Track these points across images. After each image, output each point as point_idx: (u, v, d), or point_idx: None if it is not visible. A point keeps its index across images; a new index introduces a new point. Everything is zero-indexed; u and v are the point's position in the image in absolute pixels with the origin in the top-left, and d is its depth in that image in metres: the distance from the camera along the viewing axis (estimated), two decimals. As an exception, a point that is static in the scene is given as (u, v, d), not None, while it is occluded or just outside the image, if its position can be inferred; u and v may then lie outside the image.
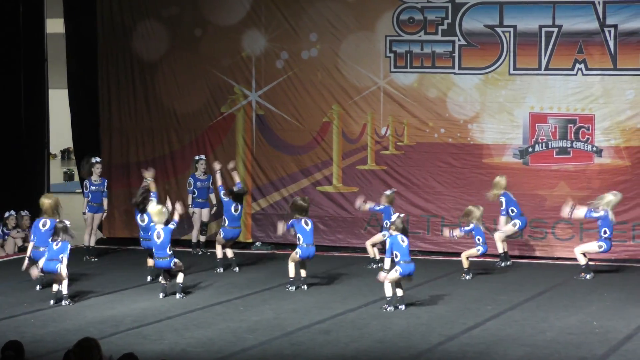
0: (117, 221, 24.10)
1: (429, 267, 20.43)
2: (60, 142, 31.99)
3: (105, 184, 22.12)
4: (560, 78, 21.85)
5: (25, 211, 22.70)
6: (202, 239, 22.56)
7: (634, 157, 21.50)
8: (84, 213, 22.02)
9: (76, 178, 26.80)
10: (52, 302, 16.96)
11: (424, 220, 22.30)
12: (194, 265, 20.54)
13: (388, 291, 16.66)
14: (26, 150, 24.06)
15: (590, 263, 19.57)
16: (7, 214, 22.54)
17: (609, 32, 21.48)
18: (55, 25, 24.76)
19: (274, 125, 23.23)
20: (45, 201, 18.73)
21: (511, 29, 21.95)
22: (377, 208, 20.77)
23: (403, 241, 16.76)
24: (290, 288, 18.35)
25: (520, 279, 19.48)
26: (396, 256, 16.64)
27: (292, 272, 18.47)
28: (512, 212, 20.61)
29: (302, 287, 18.46)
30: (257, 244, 23.19)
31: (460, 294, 17.57)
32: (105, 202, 22.09)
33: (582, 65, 21.67)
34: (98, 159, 22.07)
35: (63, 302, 16.87)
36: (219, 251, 20.41)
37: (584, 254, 19.65)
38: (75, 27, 24.32)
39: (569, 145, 21.84)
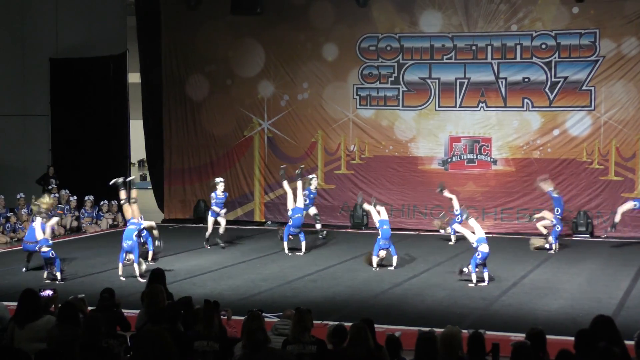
0: (174, 207, 24.06)
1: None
2: (137, 154, 31.87)
3: (226, 197, 19.35)
4: (469, 113, 21.81)
5: (114, 201, 22.64)
6: (318, 226, 20.12)
7: (518, 165, 21.51)
8: (210, 216, 19.26)
9: (148, 179, 26.58)
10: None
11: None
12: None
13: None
14: (115, 160, 23.85)
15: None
16: (101, 202, 22.50)
17: (501, 82, 21.48)
18: (134, 77, 24.71)
19: (279, 143, 23.18)
20: (45, 202, 16.42)
21: (437, 80, 21.92)
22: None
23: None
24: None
25: (444, 246, 19.49)
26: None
27: None
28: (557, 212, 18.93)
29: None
30: (268, 222, 23.17)
31: (402, 256, 17.49)
32: (223, 212, 19.20)
33: (483, 104, 21.66)
34: (221, 179, 19.46)
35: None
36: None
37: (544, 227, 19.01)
38: (147, 78, 24.22)
39: (475, 157, 21.80)
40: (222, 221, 19.17)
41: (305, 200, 19.72)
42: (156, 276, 10.81)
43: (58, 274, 15.34)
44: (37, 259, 16.24)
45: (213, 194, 19.28)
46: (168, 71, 23.81)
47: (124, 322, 9.95)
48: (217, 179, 19.43)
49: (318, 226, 20.07)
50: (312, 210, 20.04)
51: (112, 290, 10.35)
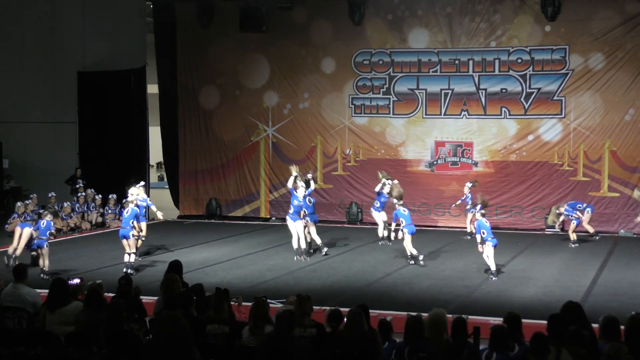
0: (188, 204, 24.04)
1: (374, 232, 20.35)
2: (155, 157, 31.84)
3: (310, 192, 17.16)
4: (453, 120, 21.76)
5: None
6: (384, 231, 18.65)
7: (496, 167, 21.52)
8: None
9: (165, 179, 26.60)
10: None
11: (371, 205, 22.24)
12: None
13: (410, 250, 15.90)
14: (135, 162, 23.83)
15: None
16: (124, 200, 22.30)
17: (482, 92, 21.46)
18: (152, 88, 24.68)
19: (282, 147, 23.15)
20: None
21: (424, 91, 21.89)
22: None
23: (405, 211, 16.03)
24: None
25: (429, 239, 19.43)
26: (401, 222, 15.90)
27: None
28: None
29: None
30: (273, 218, 23.14)
31: (393, 249, 17.51)
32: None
33: (465, 112, 21.63)
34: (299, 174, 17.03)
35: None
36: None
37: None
38: (164, 89, 24.20)
39: (458, 160, 21.80)
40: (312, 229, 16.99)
41: (376, 203, 18.61)
42: (173, 267, 10.80)
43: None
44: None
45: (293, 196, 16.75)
46: (183, 83, 23.80)
47: (141, 309, 9.94)
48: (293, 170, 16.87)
49: (384, 231, 18.47)
50: (382, 217, 18.54)
51: (129, 278, 10.36)
